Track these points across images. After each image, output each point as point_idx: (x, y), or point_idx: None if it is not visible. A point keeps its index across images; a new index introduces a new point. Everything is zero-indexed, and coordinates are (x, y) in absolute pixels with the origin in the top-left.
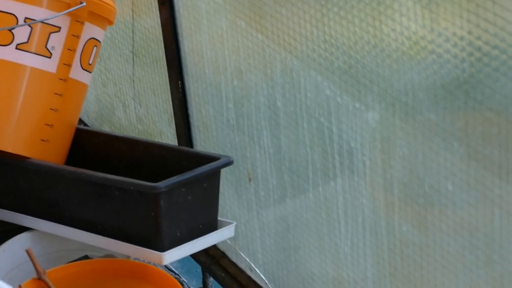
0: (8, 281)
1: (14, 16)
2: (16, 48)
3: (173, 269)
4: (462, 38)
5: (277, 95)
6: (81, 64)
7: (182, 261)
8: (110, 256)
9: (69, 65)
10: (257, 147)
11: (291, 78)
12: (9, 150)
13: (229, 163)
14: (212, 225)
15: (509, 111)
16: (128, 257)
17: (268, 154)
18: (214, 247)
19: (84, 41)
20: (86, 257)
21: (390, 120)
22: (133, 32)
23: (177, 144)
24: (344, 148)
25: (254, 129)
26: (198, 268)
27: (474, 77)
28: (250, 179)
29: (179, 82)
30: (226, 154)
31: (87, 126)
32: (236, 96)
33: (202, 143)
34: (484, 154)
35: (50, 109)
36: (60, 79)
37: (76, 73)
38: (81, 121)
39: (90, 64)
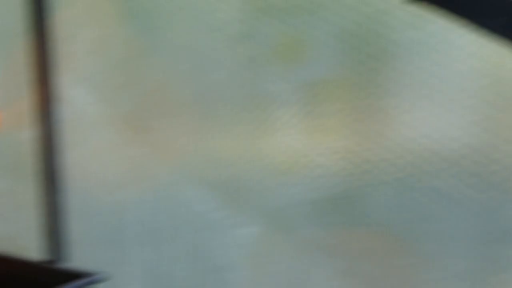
0: None
1: None
2: None
3: None
4: (337, 152)
5: (155, 210)
6: None
7: None
8: None
9: None
10: (132, 263)
11: (170, 192)
12: None
13: (103, 279)
14: None
15: (385, 226)
16: None
17: (143, 270)
18: None
19: None
20: None
21: (267, 235)
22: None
23: (50, 260)
24: (218, 264)
25: (130, 245)
26: None
27: (348, 191)
28: None
29: (54, 195)
30: (100, 270)
31: None
32: (113, 210)
33: (77, 259)
34: (363, 269)
35: None
36: None
37: None
38: None
39: None
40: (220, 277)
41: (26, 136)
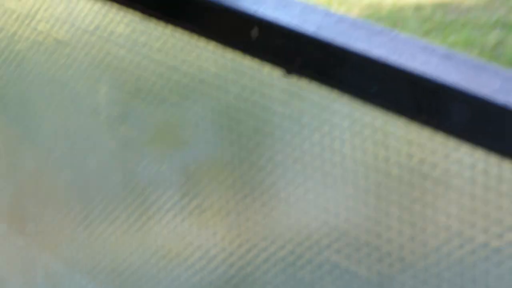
0: None
1: None
2: None
3: None
4: (221, 235)
5: None
6: None
7: None
8: None
9: None
10: None
11: (54, 283)
12: None
13: None
14: None
15: None
16: None
17: None
18: None
19: None
20: None
21: None
22: None
23: None
24: None
25: None
26: None
27: (236, 274)
28: None
29: None
30: None
31: None
32: None
33: None
34: None
35: None
36: None
37: None
38: None
39: None
40: None
41: None
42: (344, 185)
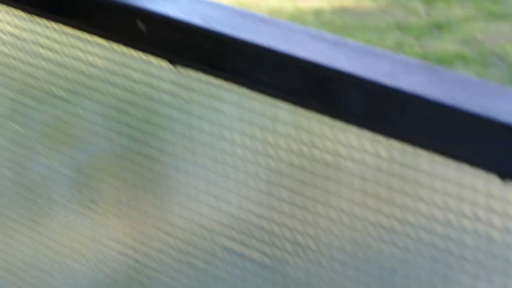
0: None
1: None
2: None
3: None
4: (123, 226)
5: None
6: None
7: None
8: None
9: None
10: None
11: None
12: None
13: None
14: None
15: None
16: None
17: None
18: None
19: None
20: None
21: None
22: None
23: None
24: None
25: None
26: None
27: (139, 262)
28: None
29: None
30: None
31: None
32: None
33: None
34: None
35: None
36: None
37: None
38: None
39: None
40: None
41: None
42: (235, 172)
